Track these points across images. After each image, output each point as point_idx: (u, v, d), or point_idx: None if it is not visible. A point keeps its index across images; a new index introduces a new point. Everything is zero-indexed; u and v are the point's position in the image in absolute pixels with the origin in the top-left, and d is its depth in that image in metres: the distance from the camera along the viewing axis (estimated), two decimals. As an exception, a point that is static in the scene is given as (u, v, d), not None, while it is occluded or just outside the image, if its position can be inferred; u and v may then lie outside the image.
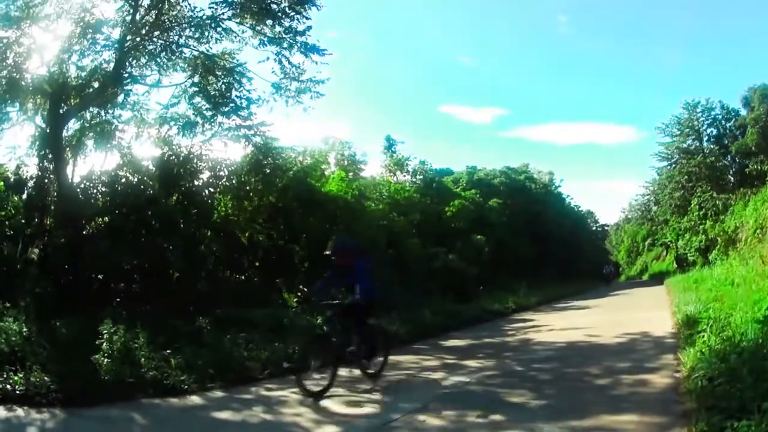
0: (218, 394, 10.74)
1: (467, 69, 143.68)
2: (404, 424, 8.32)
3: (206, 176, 21.91)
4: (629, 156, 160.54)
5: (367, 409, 9.40)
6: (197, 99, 21.61)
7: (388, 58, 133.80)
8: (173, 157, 20.63)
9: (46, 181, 18.32)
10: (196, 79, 21.34)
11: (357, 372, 12.42)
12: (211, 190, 21.89)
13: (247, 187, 22.86)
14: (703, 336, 10.97)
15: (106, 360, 10.71)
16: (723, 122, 61.42)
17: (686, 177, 59.81)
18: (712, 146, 61.22)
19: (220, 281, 20.21)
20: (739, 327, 10.45)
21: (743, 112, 59.29)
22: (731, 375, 7.45)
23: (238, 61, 21.53)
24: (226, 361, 12.17)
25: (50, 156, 18.39)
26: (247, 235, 22.78)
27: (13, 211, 17.95)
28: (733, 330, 10.33)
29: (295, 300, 20.30)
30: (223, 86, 21.49)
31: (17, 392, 9.21)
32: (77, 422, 8.49)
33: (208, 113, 21.56)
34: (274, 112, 24.11)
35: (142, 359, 11.09)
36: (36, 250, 16.47)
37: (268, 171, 23.08)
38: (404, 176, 41.43)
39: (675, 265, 57.36)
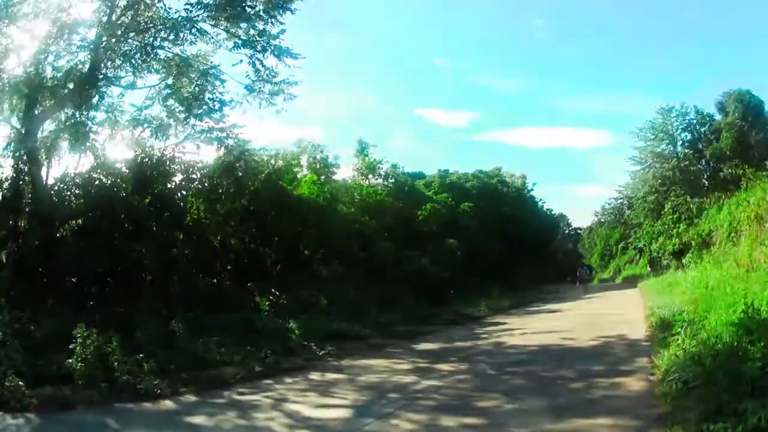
0: (191, 398, 10.75)
1: (442, 71, 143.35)
2: (377, 428, 8.38)
3: (179, 179, 21.82)
4: (602, 160, 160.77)
5: (340, 413, 9.42)
6: (171, 101, 21.55)
7: (362, 60, 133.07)
8: (146, 159, 20.50)
9: (21, 183, 18.08)
10: (170, 81, 21.28)
11: (330, 375, 12.49)
12: (184, 192, 21.81)
13: (220, 190, 22.73)
14: (678, 339, 11.06)
15: (79, 364, 10.65)
16: (697, 127, 61.69)
17: (660, 181, 60.01)
18: (686, 150, 61.41)
19: (193, 284, 20.09)
20: (714, 330, 10.45)
21: (718, 117, 59.77)
22: (707, 378, 7.49)
23: (212, 63, 21.47)
24: (199, 365, 12.26)
25: (25, 157, 18.19)
26: (219, 238, 22.75)
27: (-12, 214, 17.65)
28: (708, 333, 10.35)
29: (267, 303, 20.20)
30: (197, 88, 21.39)
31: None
32: (52, 427, 8.60)
33: (182, 115, 21.50)
34: (247, 115, 23.99)
35: (116, 363, 11.05)
36: (8, 253, 16.29)
37: (240, 174, 22.96)
38: (376, 179, 41.36)
39: (649, 269, 57.66)
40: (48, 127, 19.67)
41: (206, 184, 22.42)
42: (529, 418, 8.27)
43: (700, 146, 60.17)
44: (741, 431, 5.70)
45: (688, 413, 6.76)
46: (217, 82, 21.46)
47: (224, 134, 22.23)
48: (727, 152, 54.95)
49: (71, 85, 19.05)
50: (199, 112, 21.50)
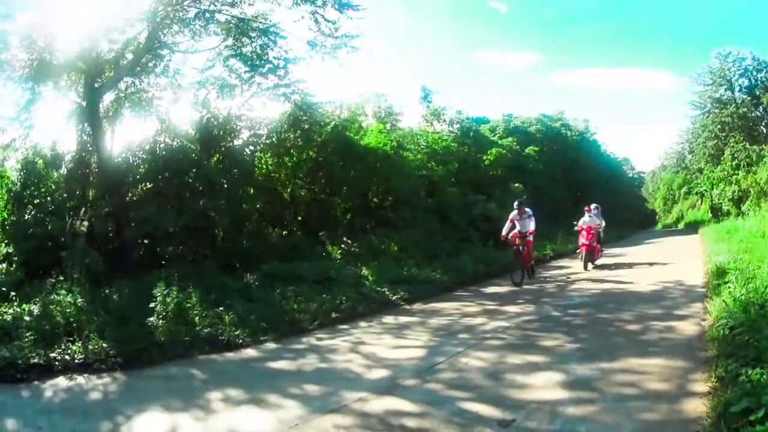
0: (272, 345, 11.33)
1: (500, 14, 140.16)
2: (448, 366, 8.99)
3: (246, 136, 22.40)
4: (665, 102, 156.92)
5: (414, 353, 10.02)
6: (232, 61, 21.68)
7: (418, 9, 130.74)
8: (212, 119, 20.94)
9: (85, 154, 18.72)
10: (230, 42, 21.39)
11: (403, 318, 13.23)
12: (252, 148, 22.39)
13: (287, 144, 23.24)
14: (730, 287, 11.49)
15: (161, 321, 11.18)
16: (754, 72, 60.42)
17: (719, 126, 59.09)
18: (744, 96, 60.14)
19: (265, 237, 20.76)
20: (764, 279, 10.86)
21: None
22: (751, 325, 7.99)
23: (271, 22, 21.51)
24: (277, 315, 12.80)
25: (88, 129, 18.72)
26: (288, 190, 23.36)
27: (53, 187, 18.04)
28: (759, 282, 10.73)
29: (338, 252, 20.70)
30: (258, 47, 21.58)
31: (77, 361, 9.50)
32: (140, 382, 8.93)
33: (246, 75, 21.70)
34: (310, 68, 23.91)
35: (196, 318, 11.62)
36: (85, 222, 16.61)
37: (307, 127, 23.34)
38: (441, 126, 41.21)
39: (710, 215, 56.85)
40: (108, 97, 20.01)
41: (274, 139, 22.94)
42: (589, 357, 8.90)
43: (758, 92, 58.91)
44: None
45: (731, 358, 7.22)
46: (280, 40, 21.61)
47: (289, 90, 22.46)
48: (783, 100, 53.95)
49: (129, 56, 19.48)
50: (263, 70, 21.75)
